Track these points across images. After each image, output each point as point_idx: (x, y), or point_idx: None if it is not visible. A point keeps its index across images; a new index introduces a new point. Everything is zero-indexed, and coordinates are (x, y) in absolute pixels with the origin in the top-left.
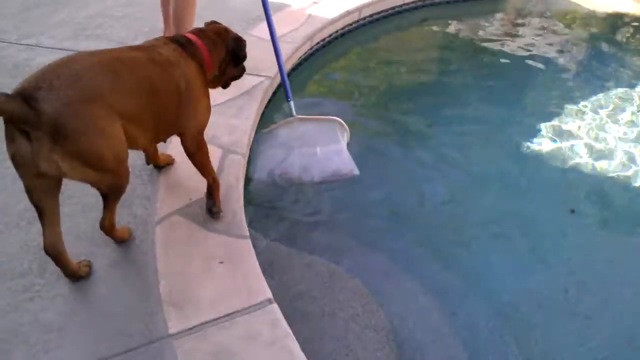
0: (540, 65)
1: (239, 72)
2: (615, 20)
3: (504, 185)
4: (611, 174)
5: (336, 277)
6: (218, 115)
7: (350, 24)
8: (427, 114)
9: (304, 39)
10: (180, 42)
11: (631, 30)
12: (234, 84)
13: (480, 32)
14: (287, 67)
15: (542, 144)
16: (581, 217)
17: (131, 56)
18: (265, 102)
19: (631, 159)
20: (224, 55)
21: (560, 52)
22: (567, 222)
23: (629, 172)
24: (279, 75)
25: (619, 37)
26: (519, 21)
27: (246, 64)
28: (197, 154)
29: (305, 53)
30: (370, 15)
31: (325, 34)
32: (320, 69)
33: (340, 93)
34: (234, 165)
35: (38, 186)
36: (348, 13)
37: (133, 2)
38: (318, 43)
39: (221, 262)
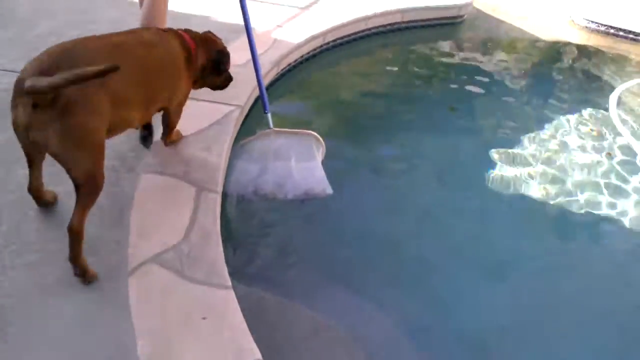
0: (495, 91)
1: (223, 81)
2: (560, 47)
3: (474, 212)
4: (565, 198)
5: (319, 327)
6: (189, 148)
7: (315, 49)
8: (390, 139)
9: (271, 64)
10: (163, 29)
11: (574, 55)
12: (203, 113)
13: (438, 59)
14: (253, 93)
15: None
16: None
17: (123, 40)
18: (236, 133)
19: (582, 183)
20: (206, 60)
21: (513, 77)
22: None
23: (584, 196)
24: (249, 103)
25: (565, 63)
26: (475, 49)
27: None
28: (174, 117)
29: (273, 78)
30: (334, 40)
31: (291, 59)
32: (286, 94)
33: (308, 117)
34: (209, 205)
35: (31, 146)
36: (313, 38)
37: (86, 19)
38: (284, 68)
39: (204, 318)
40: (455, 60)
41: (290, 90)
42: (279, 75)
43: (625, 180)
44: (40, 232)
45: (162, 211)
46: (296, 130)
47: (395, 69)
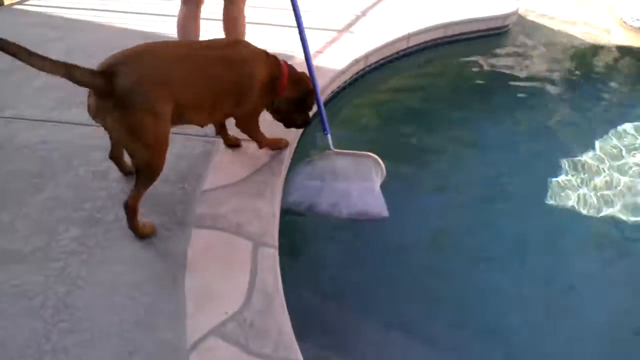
0: (550, 98)
1: (303, 118)
2: (613, 50)
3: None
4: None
5: None
6: (239, 197)
7: (357, 72)
8: (447, 158)
9: None
10: (268, 54)
11: (630, 58)
12: (250, 155)
13: (486, 68)
14: (298, 132)
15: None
16: None
17: (202, 55)
18: (286, 172)
19: None
20: (295, 94)
21: (568, 84)
22: None
23: None
24: (296, 140)
25: (620, 67)
26: (524, 56)
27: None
28: (247, 130)
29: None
30: (376, 62)
31: (334, 86)
32: (334, 119)
33: (362, 139)
34: (269, 262)
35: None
36: (355, 62)
37: None
38: (329, 94)
39: None
40: (505, 70)
41: (338, 116)
42: (325, 102)
43: None
44: None
45: (219, 273)
46: (356, 152)
47: (443, 83)
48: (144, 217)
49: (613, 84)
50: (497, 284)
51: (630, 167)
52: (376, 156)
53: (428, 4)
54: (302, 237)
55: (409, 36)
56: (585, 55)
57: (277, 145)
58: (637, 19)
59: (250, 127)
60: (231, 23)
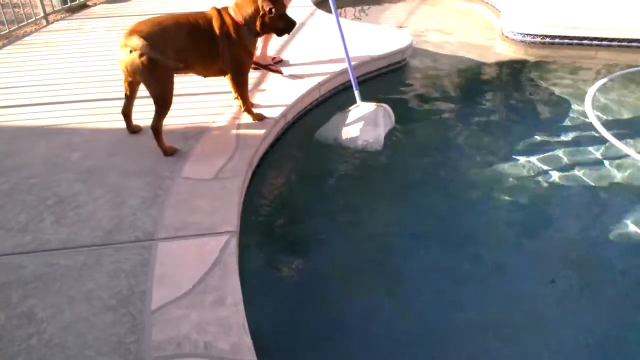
0: (452, 114)
1: (283, 24)
2: (502, 64)
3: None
4: None
5: None
6: (198, 310)
7: (278, 132)
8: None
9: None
10: (219, 9)
11: (516, 70)
12: (193, 255)
13: (394, 97)
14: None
15: None
16: None
17: (188, 21)
18: (238, 268)
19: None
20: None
21: (464, 99)
22: None
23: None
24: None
25: (507, 78)
26: (424, 82)
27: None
28: (235, 84)
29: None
30: (293, 117)
31: (261, 151)
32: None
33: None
34: None
35: (130, 80)
36: (275, 122)
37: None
38: (256, 163)
39: None
40: (409, 98)
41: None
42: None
43: None
44: None
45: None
46: (375, 103)
47: None
48: None
49: (502, 93)
50: None
51: (524, 166)
52: (389, 107)
53: (331, 51)
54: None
55: (320, 85)
56: (475, 71)
57: (254, 116)
58: (517, 33)
59: (238, 81)
60: None
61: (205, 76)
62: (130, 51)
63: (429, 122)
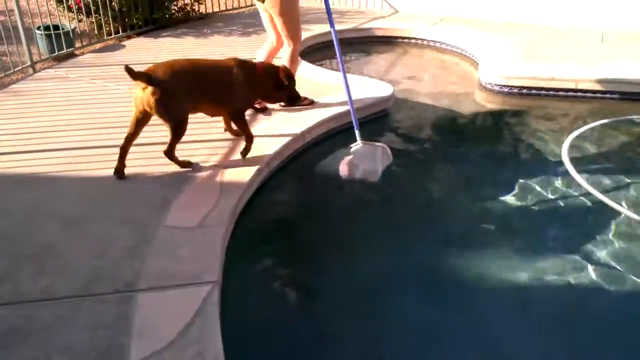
0: (432, 160)
1: (287, 95)
2: (485, 114)
3: None
4: None
5: None
6: None
7: (261, 181)
8: None
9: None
10: (242, 61)
11: (497, 119)
12: (173, 307)
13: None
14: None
15: None
16: None
17: (204, 65)
18: (220, 319)
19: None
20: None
21: (445, 146)
22: None
23: None
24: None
25: (485, 127)
26: (405, 131)
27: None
28: (237, 123)
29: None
30: (277, 165)
31: (243, 201)
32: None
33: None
34: None
35: (138, 117)
36: (259, 171)
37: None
38: (238, 214)
39: None
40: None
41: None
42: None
43: None
44: None
45: None
46: (373, 142)
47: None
48: None
49: (480, 142)
50: None
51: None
52: (386, 145)
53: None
54: None
55: (304, 133)
56: (454, 121)
57: (248, 146)
58: (494, 84)
59: (238, 120)
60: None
61: (212, 116)
62: (144, 88)
63: (407, 170)
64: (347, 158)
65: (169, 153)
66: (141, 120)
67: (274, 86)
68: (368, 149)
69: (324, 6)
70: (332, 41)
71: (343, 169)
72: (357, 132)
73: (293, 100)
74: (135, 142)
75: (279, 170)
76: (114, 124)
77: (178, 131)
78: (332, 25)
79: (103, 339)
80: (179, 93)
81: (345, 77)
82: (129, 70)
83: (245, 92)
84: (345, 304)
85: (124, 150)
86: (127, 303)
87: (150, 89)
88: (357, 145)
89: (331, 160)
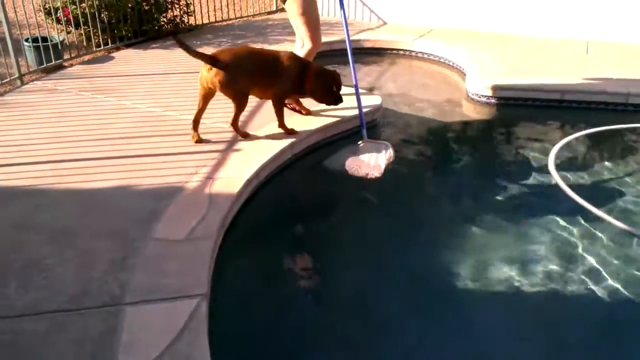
0: (423, 171)
1: (332, 99)
2: (467, 125)
3: None
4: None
5: None
6: None
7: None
8: None
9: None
10: (299, 59)
11: (487, 130)
12: (160, 321)
13: None
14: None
15: None
16: None
17: (262, 52)
18: (208, 334)
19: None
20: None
21: (432, 156)
22: None
23: None
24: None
25: (473, 138)
26: (394, 142)
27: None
28: (275, 106)
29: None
30: (267, 176)
31: (234, 210)
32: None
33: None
34: None
35: (204, 94)
36: (248, 182)
37: None
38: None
39: None
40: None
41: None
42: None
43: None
44: None
45: None
46: (377, 140)
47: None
48: None
49: (467, 152)
50: None
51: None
52: (389, 143)
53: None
54: None
55: (292, 145)
56: (442, 131)
57: (288, 131)
58: (481, 95)
59: (279, 105)
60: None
61: (261, 98)
62: (209, 70)
63: (394, 181)
64: (354, 154)
65: (234, 123)
66: (206, 97)
67: (326, 89)
68: (373, 146)
69: (328, 17)
70: (334, 50)
71: (349, 164)
72: (363, 131)
73: (335, 103)
74: (124, 154)
75: (269, 180)
76: (102, 136)
77: (240, 105)
78: (346, 27)
79: (89, 353)
80: (238, 75)
81: (355, 79)
82: (190, 49)
83: (288, 85)
84: (336, 316)
85: (195, 122)
86: (114, 317)
87: (214, 70)
88: (363, 142)
89: (338, 156)
